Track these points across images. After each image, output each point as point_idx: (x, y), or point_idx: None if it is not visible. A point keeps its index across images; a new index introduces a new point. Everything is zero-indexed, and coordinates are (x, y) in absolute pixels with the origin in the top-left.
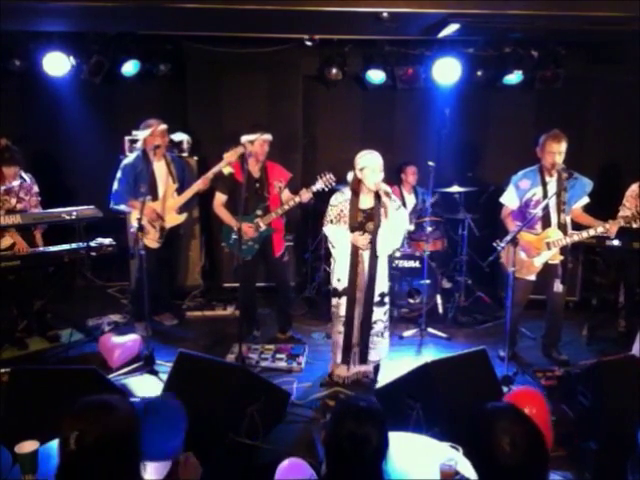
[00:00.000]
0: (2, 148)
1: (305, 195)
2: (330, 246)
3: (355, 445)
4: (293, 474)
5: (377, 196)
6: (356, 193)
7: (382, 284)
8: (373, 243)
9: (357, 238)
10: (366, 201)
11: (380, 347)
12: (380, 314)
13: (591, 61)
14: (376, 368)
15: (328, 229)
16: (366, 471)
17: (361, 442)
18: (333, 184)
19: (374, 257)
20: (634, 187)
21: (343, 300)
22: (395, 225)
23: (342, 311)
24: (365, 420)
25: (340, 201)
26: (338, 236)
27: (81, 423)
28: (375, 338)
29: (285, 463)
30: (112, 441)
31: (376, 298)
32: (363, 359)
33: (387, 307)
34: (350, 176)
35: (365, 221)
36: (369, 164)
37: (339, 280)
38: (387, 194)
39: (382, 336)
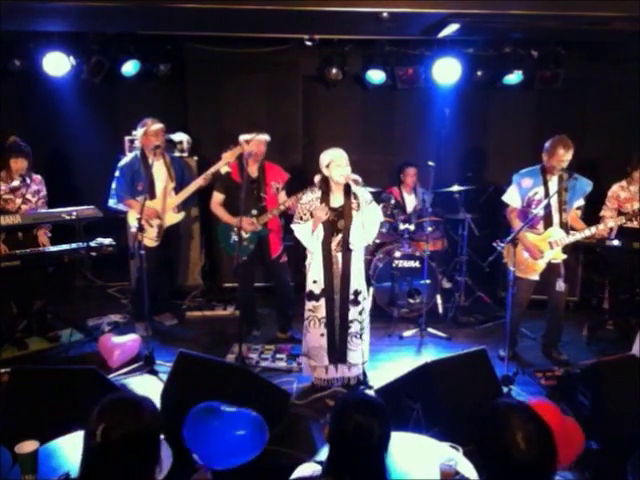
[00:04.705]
0: (11, 142)
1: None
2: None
3: (361, 436)
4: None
5: (347, 193)
6: (326, 192)
7: (357, 281)
8: (345, 241)
9: (317, 211)
10: (336, 199)
11: (359, 350)
12: (355, 313)
13: (591, 61)
14: (363, 373)
15: (296, 227)
16: (371, 461)
17: (367, 433)
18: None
19: (347, 254)
20: (615, 188)
21: (322, 302)
22: (368, 217)
23: (322, 313)
24: (369, 411)
25: (310, 199)
26: (305, 234)
27: (109, 418)
28: (354, 339)
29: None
30: (136, 439)
31: (350, 296)
32: (342, 359)
33: (362, 307)
34: (317, 178)
35: (336, 219)
36: (334, 158)
37: (315, 282)
38: (356, 181)
39: (360, 338)
